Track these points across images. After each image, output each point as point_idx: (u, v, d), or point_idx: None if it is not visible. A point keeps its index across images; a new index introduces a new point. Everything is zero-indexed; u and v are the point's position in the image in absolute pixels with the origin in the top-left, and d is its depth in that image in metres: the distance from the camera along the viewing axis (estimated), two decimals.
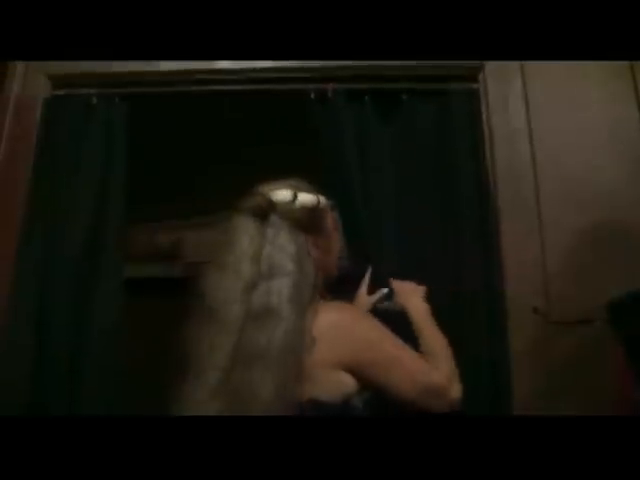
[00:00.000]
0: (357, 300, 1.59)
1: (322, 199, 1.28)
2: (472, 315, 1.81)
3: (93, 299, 1.87)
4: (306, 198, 1.25)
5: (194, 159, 2.70)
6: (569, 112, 1.97)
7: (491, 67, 2.02)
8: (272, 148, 2.61)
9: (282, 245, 1.18)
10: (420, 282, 1.66)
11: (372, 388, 1.16)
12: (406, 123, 2.04)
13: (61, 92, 2.05)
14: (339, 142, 1.98)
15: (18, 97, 2.01)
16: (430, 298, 1.53)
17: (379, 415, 1.15)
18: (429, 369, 1.18)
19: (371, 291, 1.62)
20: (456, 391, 1.19)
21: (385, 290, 1.59)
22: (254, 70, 2.04)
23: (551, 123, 1.96)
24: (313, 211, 1.26)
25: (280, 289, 1.13)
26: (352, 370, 1.15)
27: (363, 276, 1.68)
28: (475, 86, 2.04)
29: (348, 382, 1.14)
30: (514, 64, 2.01)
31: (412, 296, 1.47)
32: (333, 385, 1.13)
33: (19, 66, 2.03)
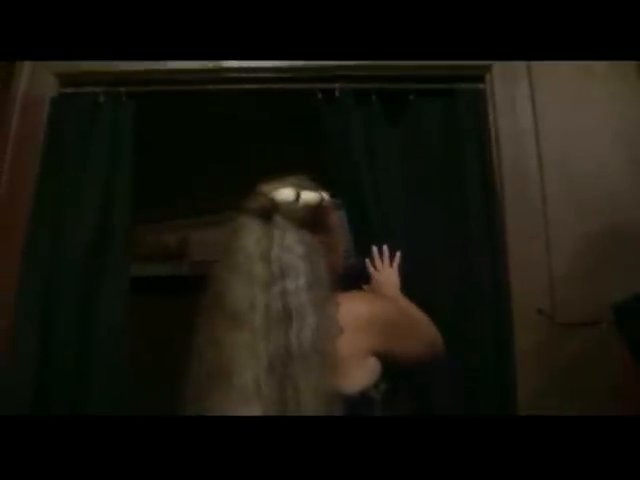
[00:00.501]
0: (380, 275, 1.69)
1: (325, 196, 1.28)
2: (478, 315, 1.81)
3: (99, 298, 1.87)
4: (309, 196, 1.24)
5: (201, 158, 2.70)
6: (576, 113, 1.97)
7: (498, 68, 2.02)
8: (279, 148, 2.61)
9: (289, 246, 1.17)
10: (423, 280, 1.70)
11: (392, 371, 1.19)
12: (413, 123, 2.04)
13: (68, 90, 2.06)
14: (346, 142, 1.98)
15: (25, 95, 2.02)
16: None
17: (382, 415, 1.15)
18: (431, 323, 1.40)
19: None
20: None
21: (397, 254, 1.73)
22: (261, 70, 2.04)
23: (558, 124, 1.96)
24: (317, 209, 1.25)
25: (296, 289, 1.13)
26: (383, 352, 1.18)
27: (368, 274, 1.69)
28: (482, 86, 2.04)
29: (375, 369, 1.16)
30: (521, 65, 2.01)
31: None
32: (358, 375, 1.13)
33: (26, 65, 2.03)
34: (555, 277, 1.83)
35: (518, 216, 1.89)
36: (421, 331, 1.37)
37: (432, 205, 1.94)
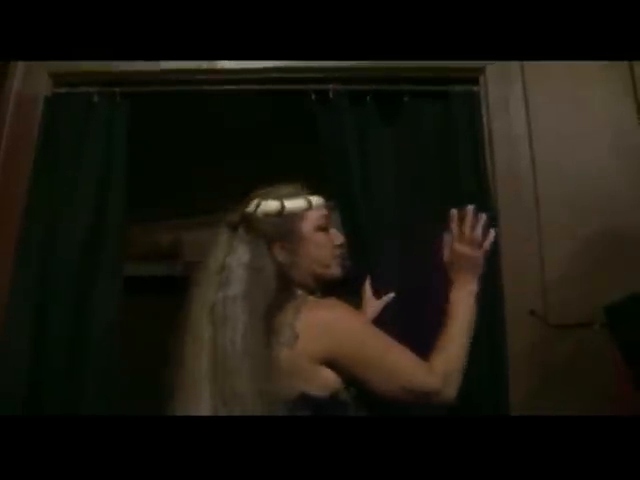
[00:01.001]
0: (365, 305, 1.60)
1: (290, 204, 1.29)
2: None
3: (92, 297, 1.87)
4: (268, 206, 1.29)
5: (194, 158, 2.70)
6: (569, 115, 1.98)
7: (492, 70, 2.03)
8: (273, 148, 2.62)
9: (239, 255, 1.26)
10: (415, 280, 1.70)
11: (355, 384, 1.18)
12: (407, 124, 2.04)
13: (62, 90, 2.05)
14: (340, 142, 1.99)
15: (19, 95, 2.01)
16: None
17: (378, 415, 1.16)
18: (419, 370, 1.18)
19: (377, 296, 1.63)
20: (449, 393, 1.19)
21: (391, 295, 1.60)
22: (255, 70, 2.04)
23: (551, 126, 1.97)
24: (276, 217, 1.28)
25: (234, 297, 1.20)
26: (332, 365, 1.16)
27: (364, 275, 1.68)
28: (476, 88, 2.05)
29: (330, 377, 1.16)
30: (515, 67, 2.01)
31: (465, 286, 1.36)
32: (319, 380, 1.15)
33: (20, 64, 2.03)
34: (548, 279, 1.84)
35: (511, 218, 1.90)
36: (389, 369, 1.17)
37: (426, 206, 1.94)
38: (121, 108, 2.03)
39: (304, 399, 1.13)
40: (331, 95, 2.00)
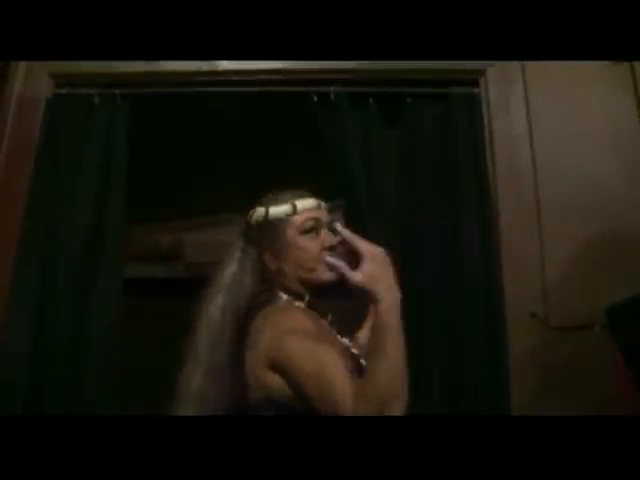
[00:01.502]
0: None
1: (273, 210, 1.30)
2: (471, 318, 1.82)
3: (92, 298, 1.87)
4: (257, 214, 1.32)
5: (195, 160, 2.70)
6: (570, 116, 1.98)
7: (492, 71, 2.03)
8: (274, 150, 2.62)
9: (229, 263, 1.32)
10: (417, 281, 1.66)
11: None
12: (409, 126, 2.05)
13: (63, 91, 2.05)
14: (342, 143, 1.99)
15: (21, 96, 2.02)
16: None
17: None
18: (349, 395, 1.00)
19: None
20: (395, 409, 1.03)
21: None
22: (256, 72, 2.04)
23: (552, 127, 1.97)
24: (264, 224, 1.30)
25: (217, 302, 1.27)
26: (278, 372, 1.15)
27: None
28: (477, 90, 2.05)
29: (278, 382, 1.14)
30: (515, 69, 2.02)
31: (384, 279, 1.11)
32: (274, 385, 1.14)
33: (21, 65, 2.03)
34: (549, 281, 1.84)
35: (512, 219, 1.90)
36: (321, 390, 1.05)
37: (427, 207, 1.95)
38: (122, 109, 2.03)
39: (268, 402, 1.14)
40: (332, 97, 2.01)
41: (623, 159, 1.92)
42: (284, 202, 1.31)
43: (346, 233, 1.16)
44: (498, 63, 2.02)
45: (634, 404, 1.42)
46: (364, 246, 1.11)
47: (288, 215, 1.29)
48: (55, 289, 1.84)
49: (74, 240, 1.89)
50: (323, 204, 1.37)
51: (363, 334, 1.62)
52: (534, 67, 2.01)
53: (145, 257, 3.21)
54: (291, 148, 2.54)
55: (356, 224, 1.90)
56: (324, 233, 1.31)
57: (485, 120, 2.02)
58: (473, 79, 2.06)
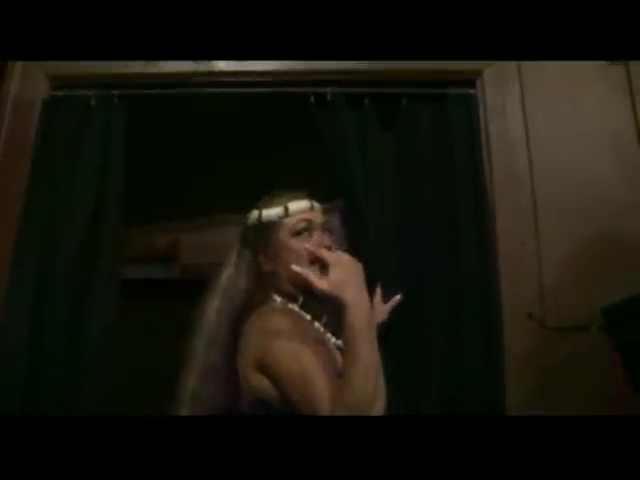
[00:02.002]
0: (373, 310, 1.60)
1: (266, 213, 1.32)
2: (469, 319, 1.82)
3: (90, 300, 1.86)
4: (252, 216, 1.34)
5: (192, 161, 2.70)
6: (566, 117, 1.98)
7: (489, 72, 2.03)
8: (271, 150, 2.62)
9: (227, 266, 1.34)
10: (414, 281, 1.66)
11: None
12: (406, 126, 2.05)
13: (60, 93, 2.05)
14: (339, 144, 2.00)
15: (17, 97, 2.01)
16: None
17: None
18: (327, 401, 1.01)
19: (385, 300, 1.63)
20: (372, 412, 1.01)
21: (398, 297, 1.59)
22: (253, 73, 2.04)
23: (548, 129, 1.97)
24: (258, 227, 1.32)
25: (214, 304, 1.30)
26: (266, 375, 1.16)
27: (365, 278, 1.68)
28: (473, 91, 2.06)
29: (265, 384, 1.15)
30: (512, 70, 2.02)
31: (351, 286, 1.09)
32: (261, 386, 1.15)
33: (18, 67, 2.02)
34: (545, 282, 1.84)
35: (509, 220, 1.90)
36: (308, 390, 1.05)
37: (424, 208, 1.95)
38: (118, 111, 2.03)
39: (259, 402, 1.15)
40: (329, 97, 2.01)
41: (620, 160, 1.92)
42: (277, 204, 1.31)
43: (311, 247, 1.22)
44: (495, 64, 2.02)
45: (631, 405, 1.42)
46: (330, 255, 1.13)
47: (280, 217, 1.30)
48: (52, 290, 1.84)
49: (71, 241, 1.88)
50: (317, 205, 1.37)
51: None
52: (531, 68, 2.02)
53: (142, 258, 3.20)
54: (289, 149, 2.54)
55: (353, 223, 1.92)
56: (317, 235, 1.31)
57: (482, 121, 2.02)
58: (470, 80, 2.07)
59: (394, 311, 1.60)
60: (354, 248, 1.90)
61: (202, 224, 3.22)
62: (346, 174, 1.97)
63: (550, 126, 1.98)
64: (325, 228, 1.38)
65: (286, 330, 1.17)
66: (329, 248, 1.30)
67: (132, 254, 2.95)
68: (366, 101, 2.04)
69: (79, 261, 1.88)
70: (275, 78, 2.05)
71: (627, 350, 1.44)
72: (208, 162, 2.65)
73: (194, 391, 1.23)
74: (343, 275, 1.09)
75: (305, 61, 1.99)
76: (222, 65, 2.04)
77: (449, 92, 2.05)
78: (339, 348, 1.25)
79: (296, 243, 1.28)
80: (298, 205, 1.32)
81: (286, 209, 1.30)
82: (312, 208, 1.34)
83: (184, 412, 1.22)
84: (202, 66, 2.02)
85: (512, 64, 2.03)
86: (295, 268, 1.17)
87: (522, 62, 2.02)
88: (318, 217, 1.35)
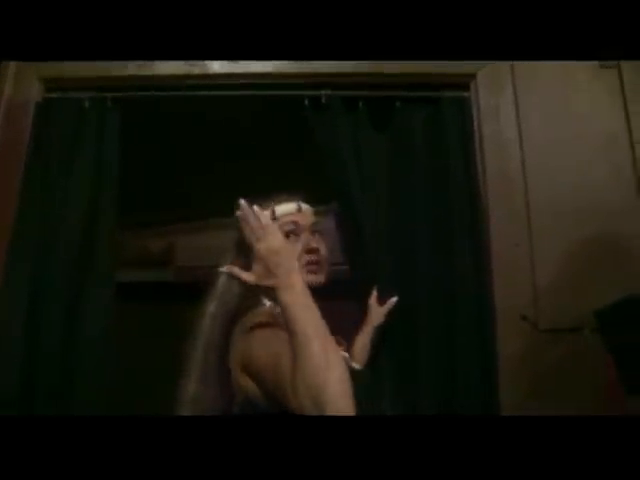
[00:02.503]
0: (369, 313, 1.61)
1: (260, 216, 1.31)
2: (462, 321, 1.83)
3: (84, 303, 1.86)
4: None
5: (186, 163, 2.70)
6: (560, 120, 1.99)
7: (483, 75, 2.04)
8: (266, 153, 2.62)
9: (222, 271, 1.34)
10: (407, 284, 1.67)
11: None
12: (399, 129, 2.06)
13: (53, 95, 2.04)
14: (333, 147, 2.00)
15: (10, 100, 2.00)
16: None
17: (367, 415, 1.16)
18: (288, 390, 1.01)
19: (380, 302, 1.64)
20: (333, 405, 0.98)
21: (394, 299, 1.60)
22: (248, 75, 2.04)
23: (542, 132, 1.98)
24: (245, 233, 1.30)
25: (209, 309, 1.33)
26: (247, 372, 1.19)
27: (360, 281, 1.69)
28: (467, 94, 2.06)
29: (250, 384, 1.18)
30: (506, 73, 2.03)
31: (278, 271, 1.10)
32: (249, 387, 1.18)
33: (11, 68, 2.02)
34: (539, 284, 1.85)
35: (502, 222, 1.91)
36: (280, 383, 1.05)
37: (418, 210, 1.96)
38: (112, 113, 2.03)
39: (246, 403, 1.18)
40: (324, 100, 2.01)
41: (613, 162, 1.93)
42: (266, 209, 1.31)
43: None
44: (489, 66, 2.03)
45: (623, 406, 1.43)
46: (259, 249, 1.11)
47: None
48: (47, 294, 1.83)
49: (65, 244, 1.88)
50: (305, 207, 1.38)
51: (358, 340, 1.64)
52: (524, 71, 2.03)
53: (136, 261, 3.19)
54: (283, 152, 2.54)
55: (349, 226, 1.92)
56: (304, 236, 1.32)
57: (475, 124, 2.02)
58: (463, 83, 2.07)
59: (390, 314, 1.61)
60: (349, 251, 1.92)
61: (197, 227, 3.21)
62: (340, 177, 1.97)
63: (544, 128, 1.98)
64: (314, 230, 1.38)
65: (263, 327, 1.20)
66: (316, 250, 1.32)
67: (127, 257, 2.94)
68: (360, 104, 2.05)
69: (74, 264, 1.87)
70: (269, 81, 2.05)
71: (620, 352, 1.44)
72: (202, 165, 2.64)
73: (194, 395, 1.25)
74: (267, 264, 1.10)
75: (299, 64, 2.00)
76: (216, 67, 2.04)
77: (443, 95, 2.05)
78: None
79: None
80: (284, 208, 1.34)
81: (273, 212, 1.31)
82: (300, 210, 1.35)
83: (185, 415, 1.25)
84: (196, 68, 2.02)
85: (506, 67, 2.03)
86: (224, 269, 1.24)
87: (515, 65, 2.02)
88: (306, 219, 1.36)
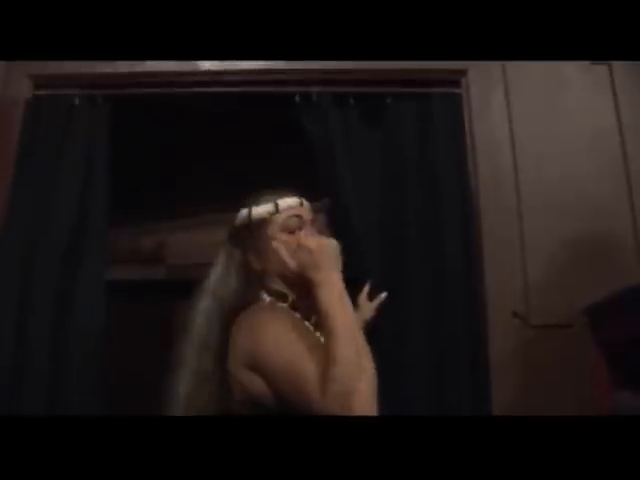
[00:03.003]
0: (359, 309, 1.61)
1: (257, 211, 1.31)
2: (453, 318, 1.83)
3: (75, 301, 1.85)
4: (241, 215, 1.33)
5: (177, 161, 2.69)
6: (551, 118, 2.00)
7: (474, 72, 2.05)
8: (257, 150, 2.62)
9: (216, 267, 1.33)
10: (398, 281, 1.66)
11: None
12: (390, 125, 2.06)
13: (43, 93, 2.03)
14: (324, 143, 2.00)
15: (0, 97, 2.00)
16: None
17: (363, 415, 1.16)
18: (315, 390, 1.00)
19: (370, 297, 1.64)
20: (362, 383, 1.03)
21: (384, 294, 1.60)
22: (239, 72, 2.04)
23: (533, 129, 1.99)
24: (247, 225, 1.31)
25: (203, 306, 1.29)
26: (256, 371, 1.15)
27: (353, 277, 1.68)
28: (458, 90, 2.07)
29: (255, 382, 1.14)
30: (497, 70, 2.03)
31: (322, 267, 1.14)
32: (252, 384, 1.14)
33: (0, 66, 2.00)
34: (530, 280, 1.85)
35: (493, 220, 1.91)
36: (297, 381, 1.05)
37: (409, 206, 1.96)
38: (103, 110, 2.02)
39: (248, 403, 1.15)
40: (315, 97, 2.01)
41: (604, 159, 1.94)
42: (267, 202, 1.31)
43: (299, 237, 1.23)
44: (480, 63, 2.03)
45: (612, 401, 1.44)
46: (304, 239, 1.19)
47: (271, 214, 1.30)
48: (37, 292, 1.82)
49: (56, 242, 1.87)
50: (306, 202, 1.38)
51: None
52: (515, 67, 2.03)
53: (127, 259, 3.18)
54: (275, 148, 2.54)
55: (340, 222, 1.92)
56: (304, 231, 1.31)
57: (466, 120, 2.03)
58: (454, 79, 2.08)
59: (380, 309, 1.61)
60: (339, 246, 1.92)
61: (187, 225, 3.21)
62: (332, 173, 1.97)
63: (534, 124, 1.99)
64: (314, 224, 1.38)
65: (272, 324, 1.17)
66: None
67: (117, 255, 2.94)
68: (351, 100, 2.04)
69: (64, 261, 1.87)
70: (260, 78, 2.05)
71: (609, 347, 1.45)
72: (194, 162, 2.64)
73: (188, 396, 1.22)
74: (312, 256, 1.13)
75: (290, 61, 1.99)
76: (207, 65, 2.03)
77: (434, 91, 2.06)
78: None
79: (286, 237, 1.29)
80: (287, 202, 1.32)
81: (276, 206, 1.31)
82: (301, 204, 1.35)
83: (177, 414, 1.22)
84: (187, 66, 2.02)
85: (496, 63, 2.04)
86: (274, 244, 1.22)
87: (506, 62, 2.03)
88: (308, 213, 1.35)
